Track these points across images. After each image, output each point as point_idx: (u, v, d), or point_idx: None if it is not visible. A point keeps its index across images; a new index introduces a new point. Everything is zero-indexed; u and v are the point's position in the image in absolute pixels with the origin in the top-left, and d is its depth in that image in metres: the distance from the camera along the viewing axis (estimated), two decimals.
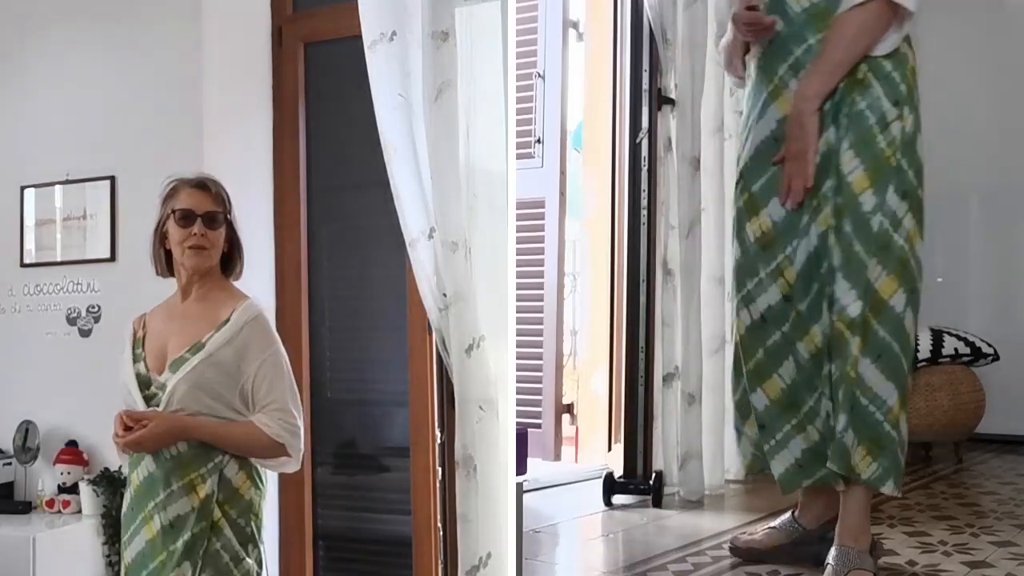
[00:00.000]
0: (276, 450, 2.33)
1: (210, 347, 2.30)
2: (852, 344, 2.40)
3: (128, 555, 2.34)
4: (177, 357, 2.33)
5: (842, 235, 2.42)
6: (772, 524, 2.86)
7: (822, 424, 2.54)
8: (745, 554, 2.83)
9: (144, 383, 2.35)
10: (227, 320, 2.34)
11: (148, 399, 2.32)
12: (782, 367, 2.56)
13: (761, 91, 2.55)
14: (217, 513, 2.30)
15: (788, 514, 2.83)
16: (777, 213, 2.51)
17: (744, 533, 2.94)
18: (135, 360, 2.38)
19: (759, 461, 2.71)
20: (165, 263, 2.43)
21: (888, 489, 2.45)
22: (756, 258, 2.55)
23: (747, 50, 2.68)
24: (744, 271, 2.58)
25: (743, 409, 2.69)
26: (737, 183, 2.63)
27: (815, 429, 2.55)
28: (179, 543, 2.26)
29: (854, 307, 2.41)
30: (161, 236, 2.41)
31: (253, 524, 2.36)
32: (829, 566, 2.49)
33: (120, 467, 2.88)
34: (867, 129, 2.41)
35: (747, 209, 2.56)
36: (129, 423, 2.24)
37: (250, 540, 2.35)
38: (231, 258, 2.45)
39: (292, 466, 2.41)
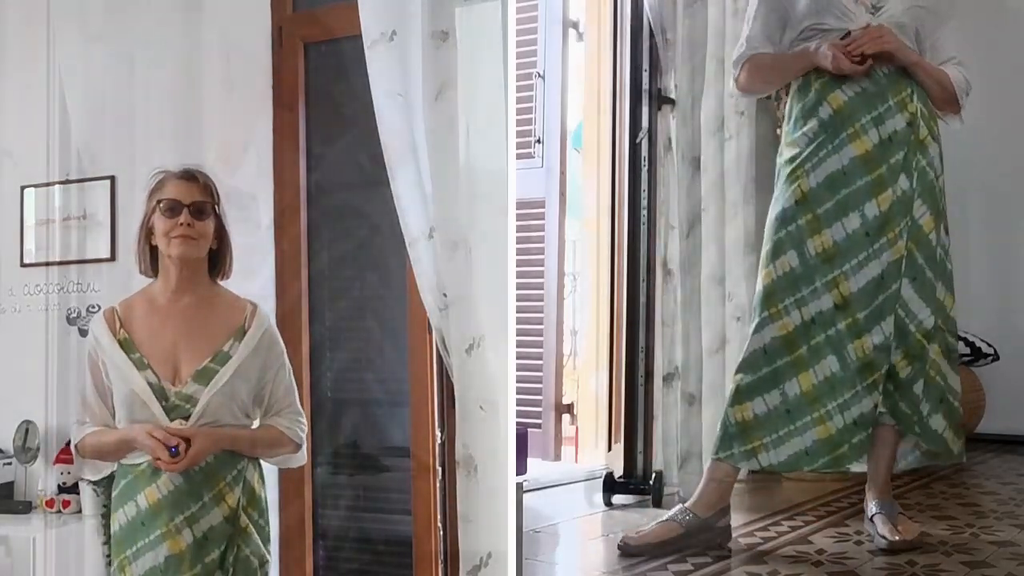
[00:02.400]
0: (294, 449, 2.38)
1: (237, 357, 2.26)
2: (930, 349, 2.97)
3: (134, 570, 2.22)
4: (203, 368, 2.24)
5: (916, 264, 2.95)
6: (663, 517, 3.01)
7: (848, 418, 2.91)
8: (640, 551, 2.92)
9: (159, 394, 2.23)
10: (244, 327, 2.30)
11: (168, 411, 2.22)
12: (818, 364, 2.93)
13: (838, 131, 2.94)
14: (244, 519, 2.27)
15: (679, 505, 3.04)
16: (839, 235, 2.93)
17: (634, 532, 3.01)
18: (139, 367, 2.24)
19: (728, 442, 2.95)
20: (150, 261, 2.32)
21: (963, 457, 3.13)
22: (815, 269, 2.94)
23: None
24: (801, 278, 2.95)
25: (751, 392, 2.94)
26: (799, 202, 2.96)
27: (835, 424, 2.92)
28: (215, 554, 2.21)
29: (928, 320, 2.95)
30: (147, 232, 2.30)
31: (268, 523, 2.37)
32: (880, 516, 3.00)
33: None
34: (930, 182, 3.01)
35: (809, 227, 2.94)
36: (170, 443, 2.14)
37: (267, 539, 2.35)
38: (221, 255, 2.35)
39: (299, 460, 2.44)
